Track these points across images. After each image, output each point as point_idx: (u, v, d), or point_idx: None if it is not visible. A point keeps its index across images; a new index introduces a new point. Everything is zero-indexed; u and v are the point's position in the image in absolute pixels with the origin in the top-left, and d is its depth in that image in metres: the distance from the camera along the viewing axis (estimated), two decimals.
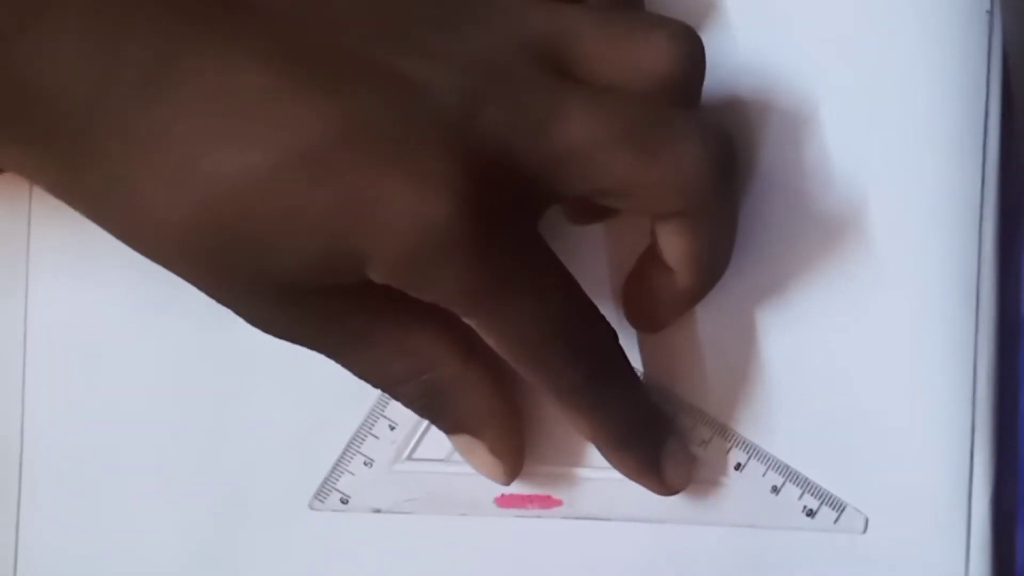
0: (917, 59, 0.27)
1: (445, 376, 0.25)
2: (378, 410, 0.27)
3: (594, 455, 0.27)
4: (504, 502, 0.27)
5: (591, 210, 0.27)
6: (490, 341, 0.23)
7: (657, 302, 0.26)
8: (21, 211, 0.28)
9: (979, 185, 0.27)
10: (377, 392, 0.27)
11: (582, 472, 0.27)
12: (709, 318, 0.27)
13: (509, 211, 0.22)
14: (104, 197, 0.21)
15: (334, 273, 0.22)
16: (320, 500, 0.28)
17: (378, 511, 0.27)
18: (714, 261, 0.25)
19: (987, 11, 0.27)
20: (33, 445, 0.28)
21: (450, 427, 0.26)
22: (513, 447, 0.26)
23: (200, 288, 0.22)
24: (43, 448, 0.28)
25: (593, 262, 0.27)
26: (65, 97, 0.20)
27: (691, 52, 0.24)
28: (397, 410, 0.27)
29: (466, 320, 0.23)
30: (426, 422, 0.27)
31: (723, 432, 0.27)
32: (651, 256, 0.26)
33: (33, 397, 0.28)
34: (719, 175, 0.23)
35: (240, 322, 0.23)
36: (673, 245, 0.25)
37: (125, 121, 0.20)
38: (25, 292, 0.28)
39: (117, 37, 0.20)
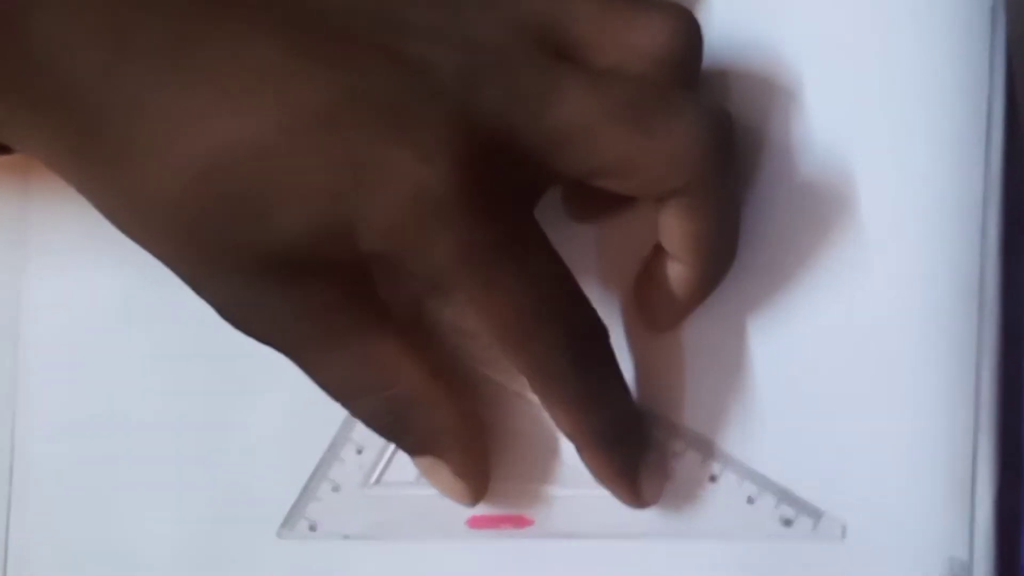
0: (920, 58, 0.27)
1: (410, 392, 0.24)
2: (344, 433, 0.27)
3: (564, 473, 0.27)
4: (476, 523, 0.27)
5: (592, 202, 0.27)
6: (477, 317, 0.23)
7: (664, 297, 0.26)
8: (18, 209, 0.28)
9: (982, 184, 0.27)
10: (342, 415, 0.27)
11: (553, 490, 0.27)
12: (687, 326, 0.27)
13: (506, 186, 0.22)
14: (105, 167, 0.22)
15: (326, 243, 0.22)
16: (288, 528, 0.27)
17: (347, 537, 0.27)
18: (717, 247, 0.25)
19: (990, 9, 0.27)
20: (24, 446, 0.27)
21: (414, 448, 0.26)
22: (478, 468, 0.26)
23: (181, 268, 0.23)
24: (33, 450, 0.27)
25: (595, 265, 0.27)
26: (77, 68, 0.21)
27: (688, 34, 0.24)
28: (364, 433, 0.26)
29: (454, 295, 0.23)
30: (394, 445, 0.27)
31: (697, 444, 0.27)
32: (658, 251, 0.26)
33: (25, 398, 0.28)
34: (716, 151, 0.24)
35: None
36: (674, 229, 0.25)
37: (135, 92, 0.21)
38: (19, 292, 0.28)
39: (131, 13, 0.21)
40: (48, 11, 0.21)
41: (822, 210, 0.27)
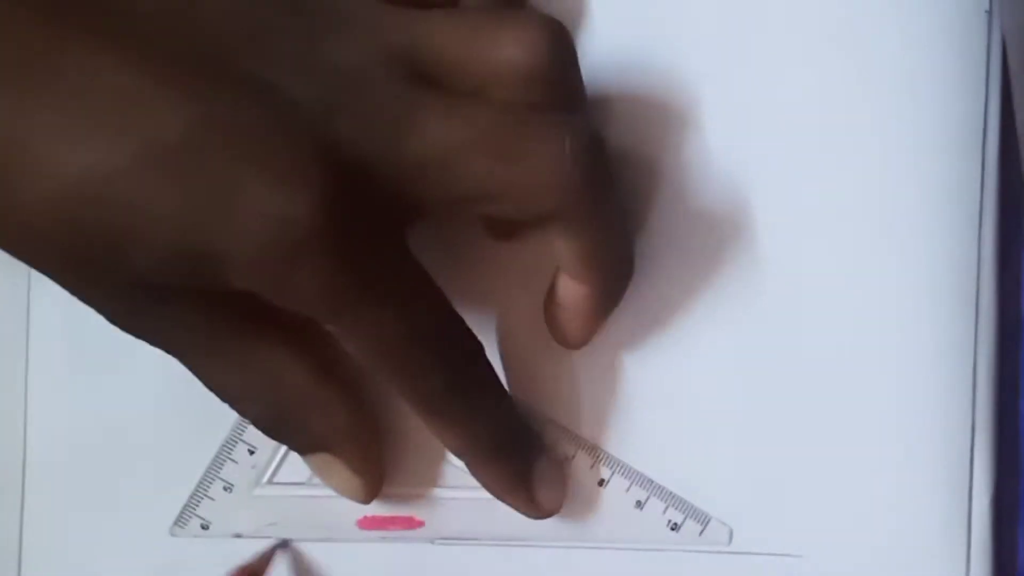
0: (917, 59, 0.27)
1: (293, 395, 0.24)
2: (236, 434, 0.27)
3: (452, 475, 0.27)
4: (366, 524, 0.27)
5: (501, 223, 0.27)
6: (350, 347, 0.23)
7: (567, 314, 0.26)
8: None
9: (979, 184, 0.27)
10: (235, 416, 0.27)
11: (442, 492, 0.27)
12: None
13: (370, 218, 0.22)
14: None
15: (193, 275, 0.21)
16: (180, 526, 0.27)
17: (239, 536, 0.27)
18: (607, 263, 0.25)
19: (986, 11, 0.27)
20: (34, 449, 0.27)
21: (304, 446, 0.26)
22: (372, 464, 0.26)
23: (62, 285, 0.22)
24: (44, 452, 0.27)
25: (505, 278, 0.27)
26: None
27: (550, 47, 0.23)
28: (256, 434, 0.26)
29: (328, 327, 0.22)
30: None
31: (586, 448, 0.27)
32: (558, 271, 0.25)
33: (35, 401, 0.27)
34: (583, 173, 0.23)
35: None
36: (561, 249, 0.24)
37: None
38: (27, 296, 0.27)
39: None
40: None
41: (823, 211, 0.27)
